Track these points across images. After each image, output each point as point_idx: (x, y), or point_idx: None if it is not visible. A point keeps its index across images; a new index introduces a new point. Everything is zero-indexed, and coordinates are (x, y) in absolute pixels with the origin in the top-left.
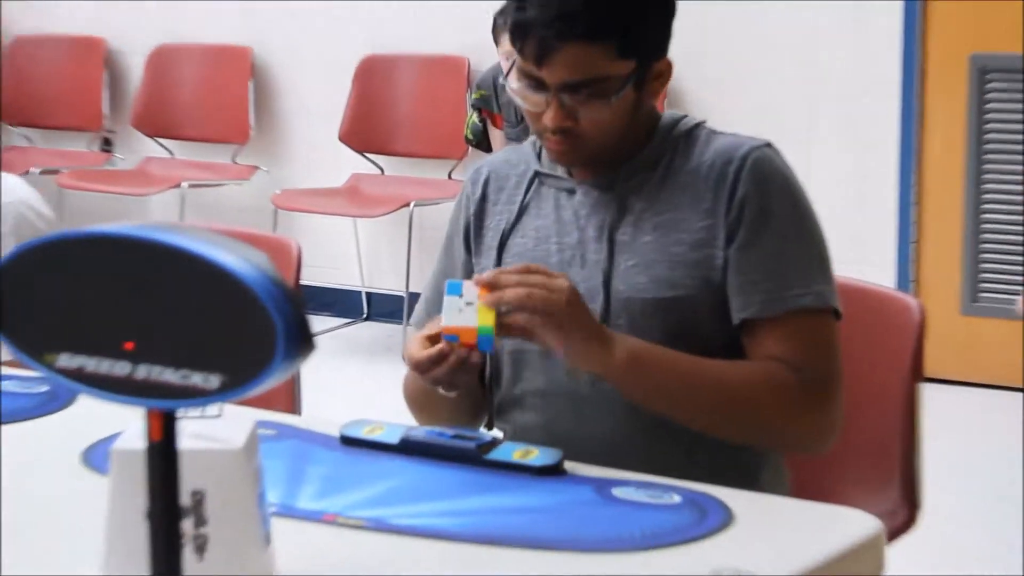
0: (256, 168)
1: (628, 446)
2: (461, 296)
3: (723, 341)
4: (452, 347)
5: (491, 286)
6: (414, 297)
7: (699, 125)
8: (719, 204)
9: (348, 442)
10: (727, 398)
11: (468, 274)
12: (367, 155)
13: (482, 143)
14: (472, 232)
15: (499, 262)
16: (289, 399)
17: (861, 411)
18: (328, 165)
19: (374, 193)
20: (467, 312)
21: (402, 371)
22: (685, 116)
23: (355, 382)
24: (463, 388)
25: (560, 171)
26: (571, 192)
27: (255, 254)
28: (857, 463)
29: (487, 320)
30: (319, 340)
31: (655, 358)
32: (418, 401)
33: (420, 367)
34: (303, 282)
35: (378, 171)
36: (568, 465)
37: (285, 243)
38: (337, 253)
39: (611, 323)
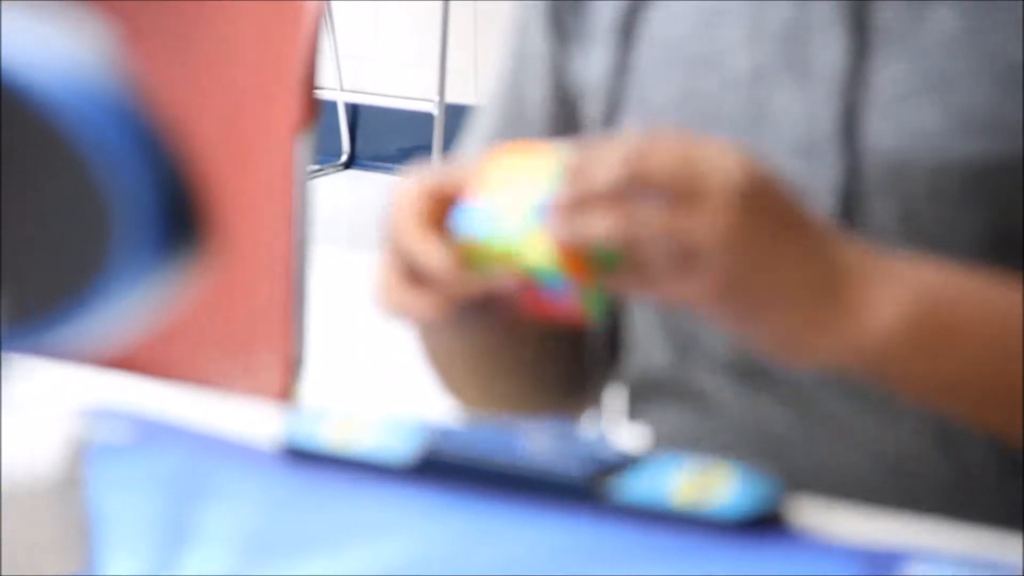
0: None
1: (914, 472)
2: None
3: None
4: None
5: (575, 178)
6: (453, 114)
7: None
8: None
9: (299, 458)
10: None
11: (556, 93)
12: None
13: None
14: None
15: (621, 71)
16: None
17: None
18: None
19: None
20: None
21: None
22: None
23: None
24: (531, 337)
25: None
26: None
27: (73, 40)
28: None
29: (544, 256)
30: None
31: (978, 311)
32: (445, 353)
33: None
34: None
35: None
36: (794, 509)
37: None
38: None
39: (861, 216)
